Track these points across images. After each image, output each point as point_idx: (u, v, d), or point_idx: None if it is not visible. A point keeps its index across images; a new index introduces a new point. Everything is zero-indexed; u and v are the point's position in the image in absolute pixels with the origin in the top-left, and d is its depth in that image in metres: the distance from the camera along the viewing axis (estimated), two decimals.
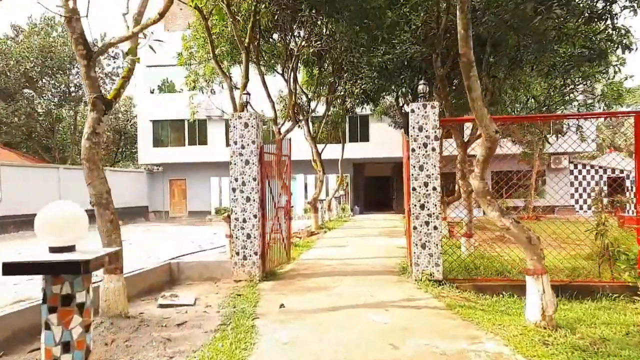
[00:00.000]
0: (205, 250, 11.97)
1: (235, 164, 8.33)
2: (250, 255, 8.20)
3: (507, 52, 9.95)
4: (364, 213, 27.65)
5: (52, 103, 25.13)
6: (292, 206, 14.67)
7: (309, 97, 17.59)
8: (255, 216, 8.20)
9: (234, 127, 8.35)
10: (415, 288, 7.41)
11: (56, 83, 24.04)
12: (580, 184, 26.17)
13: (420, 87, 8.03)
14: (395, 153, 26.15)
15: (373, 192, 32.94)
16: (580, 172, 26.27)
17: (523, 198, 23.75)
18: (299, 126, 19.75)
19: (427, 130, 7.84)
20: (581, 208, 26.00)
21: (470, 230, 9.76)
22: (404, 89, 11.05)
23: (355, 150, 26.35)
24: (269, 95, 14.33)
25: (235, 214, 8.28)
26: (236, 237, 8.26)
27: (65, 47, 23.34)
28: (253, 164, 8.24)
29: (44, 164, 23.52)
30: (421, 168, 7.84)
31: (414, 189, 7.84)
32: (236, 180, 8.31)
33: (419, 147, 7.85)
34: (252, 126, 8.27)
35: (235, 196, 8.30)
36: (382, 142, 26.35)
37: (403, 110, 19.46)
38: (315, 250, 12.00)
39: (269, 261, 8.65)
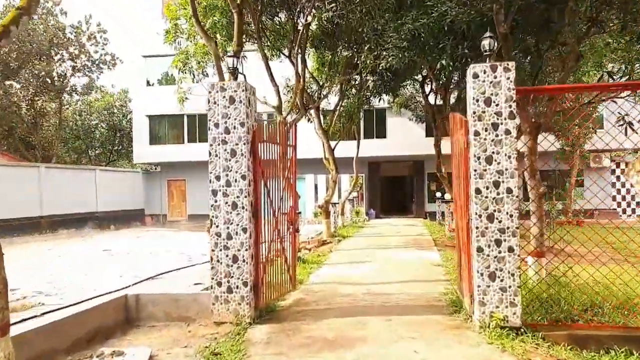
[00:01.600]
0: (195, 265, 9.55)
1: (216, 155, 5.85)
2: (237, 287, 5.70)
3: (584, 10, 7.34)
4: (381, 217, 25.08)
5: (33, 94, 22.78)
6: (300, 212, 12.11)
7: (321, 83, 15.09)
8: (244, 230, 5.70)
9: (215, 102, 5.86)
10: (484, 341, 4.87)
11: (35, 72, 21.72)
12: (623, 185, 23.35)
13: (486, 42, 5.46)
14: (414, 150, 23.56)
15: (390, 194, 30.30)
16: (623, 171, 23.45)
17: (562, 201, 21.02)
18: (308, 119, 17.29)
19: (497, 104, 5.28)
20: (624, 212, 23.17)
21: (542, 247, 7.15)
22: (444, 61, 8.47)
23: (371, 148, 23.80)
24: (272, 79, 11.86)
25: (216, 226, 5.79)
26: (217, 261, 5.76)
27: (45, 31, 20.80)
28: (242, 155, 5.74)
29: (23, 162, 21.32)
30: (489, 160, 5.28)
31: (477, 191, 5.29)
32: (217, 179, 5.83)
33: (486, 129, 5.29)
34: (241, 102, 5.77)
35: (216, 201, 5.81)
36: (401, 138, 23.75)
37: (427, 95, 16.91)
38: (328, 269, 9.46)
39: (265, 293, 6.14)
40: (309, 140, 22.07)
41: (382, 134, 24.31)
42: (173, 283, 7.36)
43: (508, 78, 5.26)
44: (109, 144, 30.35)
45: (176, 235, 19.50)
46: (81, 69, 23.68)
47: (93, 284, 7.59)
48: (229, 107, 5.79)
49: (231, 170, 5.77)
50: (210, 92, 5.87)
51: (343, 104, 17.03)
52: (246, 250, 5.68)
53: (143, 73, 25.49)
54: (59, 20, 21.94)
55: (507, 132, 5.26)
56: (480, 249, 5.25)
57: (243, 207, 5.70)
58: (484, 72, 5.31)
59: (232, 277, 5.70)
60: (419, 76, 19.68)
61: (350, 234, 16.45)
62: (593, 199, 21.33)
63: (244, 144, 5.73)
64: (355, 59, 9.74)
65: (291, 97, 18.09)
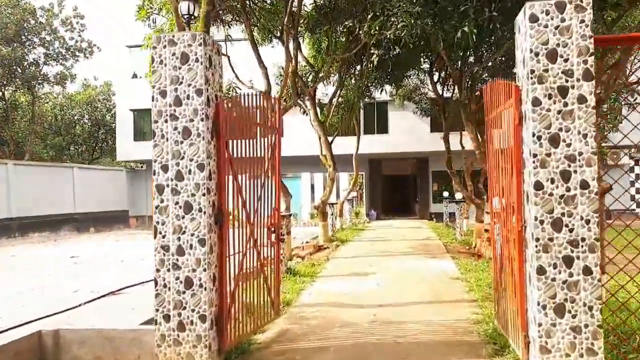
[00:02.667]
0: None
1: (162, 137, 4.19)
2: (192, 323, 4.03)
3: None
4: (382, 218, 23.40)
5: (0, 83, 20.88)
6: (290, 214, 10.47)
7: (316, 69, 13.43)
8: (202, 242, 4.02)
9: (161, 62, 4.18)
10: None
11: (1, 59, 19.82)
12: None
13: None
14: (418, 147, 21.91)
15: (392, 193, 28.62)
16: None
17: None
18: (303, 111, 15.63)
19: (567, 59, 3.64)
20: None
21: (603, 260, 5.47)
22: (466, 28, 6.80)
23: (372, 144, 22.13)
24: (259, 59, 10.21)
25: (162, 237, 4.11)
26: (164, 286, 4.09)
27: (12, 14, 18.79)
28: (199, 136, 4.07)
29: None
30: (554, 141, 3.63)
31: (538, 185, 3.63)
32: (164, 169, 4.16)
33: (549, 96, 3.65)
34: (198, 60, 4.09)
35: (162, 201, 4.14)
36: (404, 134, 22.09)
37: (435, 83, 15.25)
38: (324, 284, 7.78)
39: (235, 327, 4.45)
40: (305, 136, 20.46)
41: (383, 129, 22.65)
42: (125, 307, 5.68)
43: (582, 21, 3.60)
44: (92, 140, 28.53)
45: None
46: (55, 57, 21.89)
47: (30, 304, 5.95)
48: (180, 68, 4.11)
49: (183, 157, 4.09)
50: (155, 48, 4.19)
51: (342, 94, 15.37)
52: (204, 269, 4.00)
53: (127, 64, 23.80)
54: (28, 2, 20.04)
55: (582, 99, 3.59)
56: (541, 270, 3.59)
57: (200, 210, 4.03)
58: (546, 13, 3.64)
59: (185, 308, 4.03)
60: (426, 64, 18.11)
61: (350, 238, 14.78)
62: (611, 199, 19.69)
63: (202, 119, 4.06)
64: (357, 29, 8.09)
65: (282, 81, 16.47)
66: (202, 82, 4.06)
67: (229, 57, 12.80)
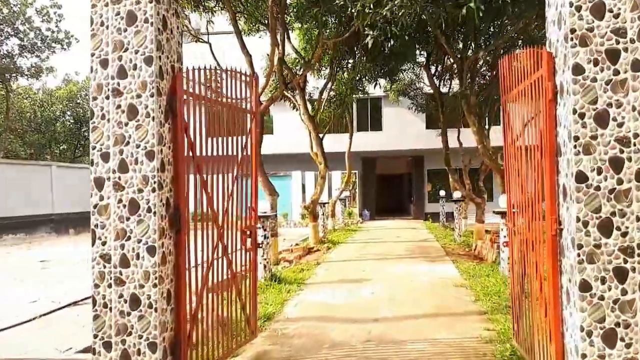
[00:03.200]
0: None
1: (102, 117, 3.32)
2: (140, 353, 3.18)
3: None
4: (376, 219, 22.60)
5: None
6: (276, 214, 9.62)
7: (306, 59, 12.59)
8: (151, 250, 3.17)
9: (101, 24, 3.32)
10: None
11: None
12: None
13: None
14: (413, 144, 21.14)
15: (386, 193, 27.82)
16: None
17: None
18: (293, 106, 14.78)
19: (617, 15, 2.84)
20: None
21: None
22: (472, 3, 5.97)
23: (365, 142, 21.31)
24: (242, 45, 9.36)
25: (102, 243, 3.25)
26: (104, 306, 3.22)
27: None
28: (149, 116, 3.22)
29: None
30: (601, 120, 2.84)
31: (580, 177, 2.82)
32: (104, 158, 3.29)
33: (595, 62, 2.85)
34: (148, 21, 3.23)
35: (101, 199, 3.28)
36: (398, 131, 21.30)
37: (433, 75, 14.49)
38: (312, 293, 6.94)
39: (199, 354, 3.60)
40: (295, 133, 19.63)
41: (377, 126, 21.85)
42: (78, 324, 4.82)
43: None
44: (74, 138, 27.35)
45: None
46: (30, 49, 20.73)
47: None
48: (126, 30, 3.25)
49: (128, 142, 3.24)
50: (94, 7, 3.33)
51: (333, 87, 14.55)
52: (155, 285, 3.15)
53: None
54: None
55: (637, 65, 2.79)
56: (585, 286, 2.78)
57: (149, 210, 3.18)
58: None
59: (131, 333, 3.18)
60: (422, 56, 17.35)
61: (342, 240, 13.95)
62: None
63: (153, 95, 3.21)
64: (350, 9, 7.29)
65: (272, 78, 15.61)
66: (152, 47, 3.21)
67: (210, 45, 11.97)
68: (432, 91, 18.80)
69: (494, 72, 16.13)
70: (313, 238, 12.84)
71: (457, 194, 13.29)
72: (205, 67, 3.81)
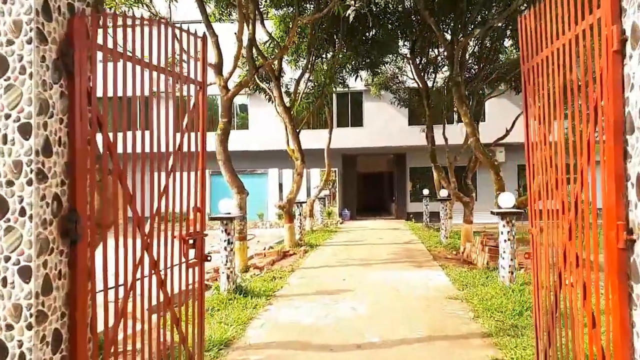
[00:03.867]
0: None
1: None
2: None
3: None
4: (356, 219, 21.67)
5: None
6: (244, 216, 8.57)
7: (282, 45, 11.55)
8: (26, 273, 2.08)
9: None
10: None
11: None
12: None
13: None
14: (395, 141, 20.27)
15: (367, 191, 26.95)
16: None
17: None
18: (269, 98, 13.70)
19: None
20: None
21: None
22: None
23: (346, 138, 20.35)
24: (207, 23, 8.26)
25: None
26: None
27: None
28: (24, 72, 2.13)
29: None
30: None
31: None
32: None
33: None
34: None
35: None
36: (380, 127, 20.39)
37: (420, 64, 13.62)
38: (282, 309, 5.90)
39: None
40: (272, 129, 18.55)
41: (358, 121, 20.90)
42: None
43: None
44: None
45: None
46: None
47: None
48: None
49: None
50: None
51: (311, 77, 13.54)
52: (30, 325, 2.08)
53: None
54: None
55: None
56: None
57: (24, 212, 2.11)
58: None
59: None
60: (405, 47, 16.49)
61: (321, 242, 12.94)
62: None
63: (30, 41, 2.13)
64: None
65: (245, 70, 14.55)
66: None
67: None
68: (415, 85, 18.03)
69: (481, 65, 15.41)
70: (289, 240, 11.80)
71: (443, 193, 12.42)
72: (126, 12, 2.74)
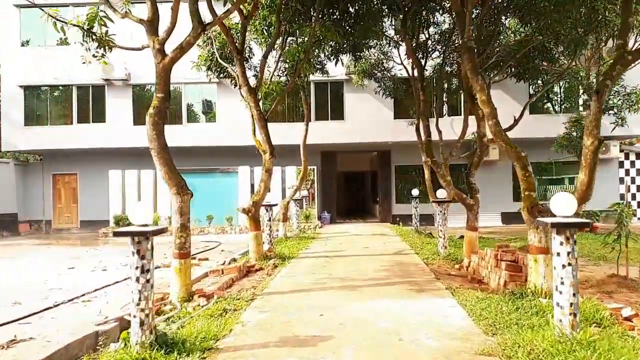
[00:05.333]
0: None
1: None
2: None
3: None
4: (337, 222, 19.54)
5: None
6: (185, 223, 6.26)
7: (245, 13, 9.35)
8: None
9: None
10: None
11: None
12: (633, 180, 19.03)
13: None
14: (379, 136, 18.21)
15: (348, 192, 24.87)
16: (633, 164, 19.14)
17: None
18: (235, 84, 11.45)
19: None
20: (634, 214, 18.82)
21: None
22: None
23: (325, 133, 18.22)
24: None
25: None
26: None
27: None
28: None
29: None
30: None
31: None
32: None
33: None
34: None
35: None
36: (363, 120, 18.33)
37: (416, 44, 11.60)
38: None
39: None
40: (243, 122, 16.27)
41: (338, 114, 18.76)
42: None
43: None
44: None
45: (53, 251, 13.21)
46: None
47: None
48: None
49: None
50: None
51: (283, 55, 11.35)
52: None
53: (16, 29, 18.70)
54: None
55: None
56: None
57: None
58: None
59: None
60: (392, 28, 14.46)
61: (295, 253, 10.75)
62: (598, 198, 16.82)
63: None
64: None
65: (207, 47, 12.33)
66: None
67: None
68: (403, 73, 16.04)
69: (479, 49, 13.49)
70: (255, 252, 9.60)
71: (441, 193, 10.37)
72: None
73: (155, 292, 6.80)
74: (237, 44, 9.41)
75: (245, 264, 9.11)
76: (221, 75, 13.27)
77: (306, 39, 10.70)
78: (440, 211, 10.25)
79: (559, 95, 18.35)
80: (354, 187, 25.79)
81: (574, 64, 12.36)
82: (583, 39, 11.00)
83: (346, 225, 18.63)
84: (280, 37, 10.28)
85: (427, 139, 10.14)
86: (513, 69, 13.17)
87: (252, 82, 9.97)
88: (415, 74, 14.89)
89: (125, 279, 8.86)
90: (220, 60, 11.34)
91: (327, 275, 7.99)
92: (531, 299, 5.87)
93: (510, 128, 11.66)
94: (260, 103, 10.49)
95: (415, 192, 15.17)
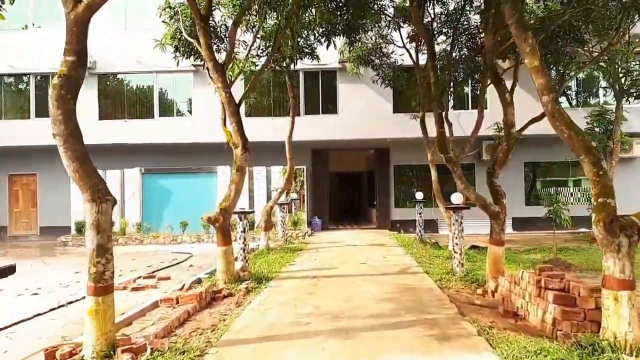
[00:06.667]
0: None
1: None
2: None
3: None
4: (330, 229, 17.53)
5: None
6: (106, 238, 4.11)
7: None
8: None
9: None
10: None
11: None
12: None
13: None
14: (377, 133, 16.24)
15: (342, 195, 22.89)
16: None
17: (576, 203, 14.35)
18: (204, 66, 9.43)
19: None
20: None
21: None
22: None
23: (316, 128, 16.24)
24: None
25: None
26: None
27: None
28: None
29: None
30: None
31: None
32: None
33: None
34: None
35: None
36: (358, 114, 16.34)
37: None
38: None
39: None
40: (213, 114, 14.24)
41: (331, 107, 16.77)
42: None
43: None
44: None
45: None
46: None
47: None
48: None
49: None
50: None
51: (262, 32, 9.36)
52: None
53: None
54: None
55: None
56: None
57: None
58: None
59: None
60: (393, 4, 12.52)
61: (276, 271, 8.73)
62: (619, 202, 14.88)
63: None
64: None
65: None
66: None
67: None
68: (405, 60, 14.08)
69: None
70: (223, 273, 7.58)
71: (456, 198, 8.39)
72: None
73: (64, 342, 4.78)
74: (201, 10, 7.41)
75: (210, 288, 7.10)
76: (193, 59, 11.25)
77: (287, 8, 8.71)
78: (456, 220, 8.26)
79: (576, 87, 16.45)
80: (349, 190, 23.80)
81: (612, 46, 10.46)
82: (616, 18, 9.15)
83: (339, 232, 16.61)
84: (256, 3, 8.26)
85: (439, 131, 8.16)
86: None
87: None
88: (420, 60, 13.05)
89: (50, 310, 6.83)
90: (187, 37, 9.33)
91: (313, 309, 5.97)
92: (610, 356, 3.95)
93: (536, 119, 9.72)
94: (244, 92, 8.47)
95: (419, 195, 13.19)
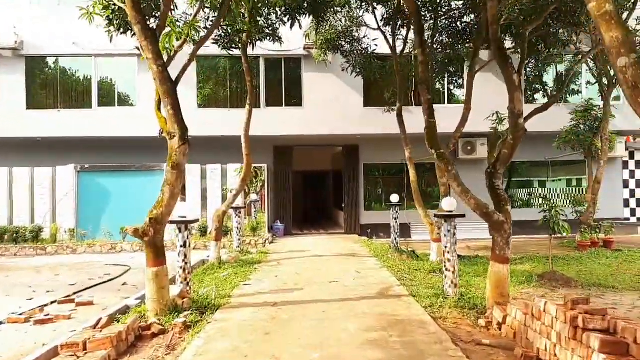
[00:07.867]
0: None
1: None
2: None
3: None
4: (293, 234, 15.82)
5: None
6: None
7: None
8: None
9: None
10: None
11: None
12: (638, 183, 16.40)
13: None
14: (345, 127, 14.68)
15: (307, 196, 21.21)
16: (639, 164, 16.51)
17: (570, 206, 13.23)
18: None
19: None
20: None
21: None
22: None
23: (278, 122, 14.51)
24: None
25: None
26: None
27: None
28: None
29: None
30: None
31: None
32: None
33: None
34: None
35: None
36: (325, 107, 14.72)
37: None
38: None
39: None
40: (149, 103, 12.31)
41: (295, 99, 15.07)
42: None
43: None
44: None
45: None
46: None
47: None
48: None
49: None
50: None
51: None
52: None
53: None
54: None
55: None
56: None
57: None
58: None
59: None
60: None
61: (225, 296, 6.98)
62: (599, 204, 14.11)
63: None
64: None
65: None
66: None
67: None
68: (379, 47, 12.56)
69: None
70: (154, 302, 5.80)
71: (448, 204, 6.87)
72: None
73: None
74: None
75: (135, 323, 5.30)
76: (131, 36, 9.32)
77: None
78: (449, 230, 6.74)
79: (556, 81, 15.39)
80: (314, 191, 22.17)
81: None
82: None
83: (304, 239, 14.93)
84: None
85: (430, 121, 6.60)
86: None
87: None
88: (397, 47, 11.57)
89: None
90: (120, 4, 7.46)
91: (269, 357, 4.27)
92: None
93: (546, 108, 8.33)
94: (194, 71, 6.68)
95: (394, 198, 11.69)
